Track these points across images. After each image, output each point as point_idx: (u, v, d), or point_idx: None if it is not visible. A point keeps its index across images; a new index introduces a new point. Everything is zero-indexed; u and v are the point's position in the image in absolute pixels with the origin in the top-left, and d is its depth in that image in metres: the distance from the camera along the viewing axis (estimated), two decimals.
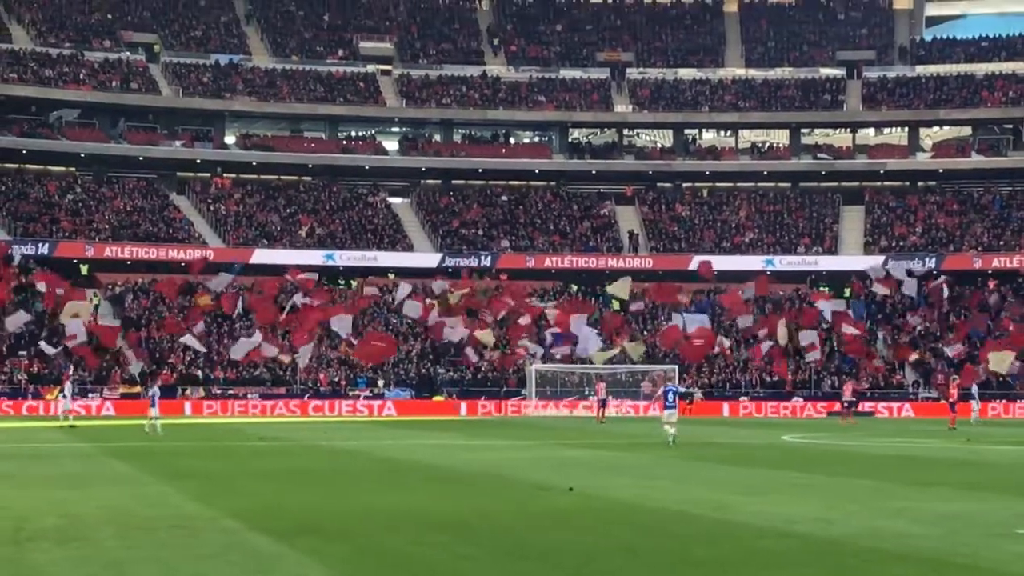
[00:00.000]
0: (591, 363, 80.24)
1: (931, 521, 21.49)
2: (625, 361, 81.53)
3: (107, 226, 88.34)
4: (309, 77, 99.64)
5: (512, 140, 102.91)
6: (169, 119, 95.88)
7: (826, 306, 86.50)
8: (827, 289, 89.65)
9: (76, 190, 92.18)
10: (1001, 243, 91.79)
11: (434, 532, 19.96)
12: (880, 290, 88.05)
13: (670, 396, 43.36)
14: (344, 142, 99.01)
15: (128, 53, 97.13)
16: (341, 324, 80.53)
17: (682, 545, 18.68)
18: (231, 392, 76.76)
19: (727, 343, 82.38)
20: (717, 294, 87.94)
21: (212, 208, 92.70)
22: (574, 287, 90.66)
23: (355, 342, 79.70)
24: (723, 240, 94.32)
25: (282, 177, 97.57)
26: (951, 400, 61.91)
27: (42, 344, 76.28)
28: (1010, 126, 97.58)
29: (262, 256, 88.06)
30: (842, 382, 79.14)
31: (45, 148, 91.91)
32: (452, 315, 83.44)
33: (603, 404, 66.89)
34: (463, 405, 75.74)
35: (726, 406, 77.80)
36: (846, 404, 68.70)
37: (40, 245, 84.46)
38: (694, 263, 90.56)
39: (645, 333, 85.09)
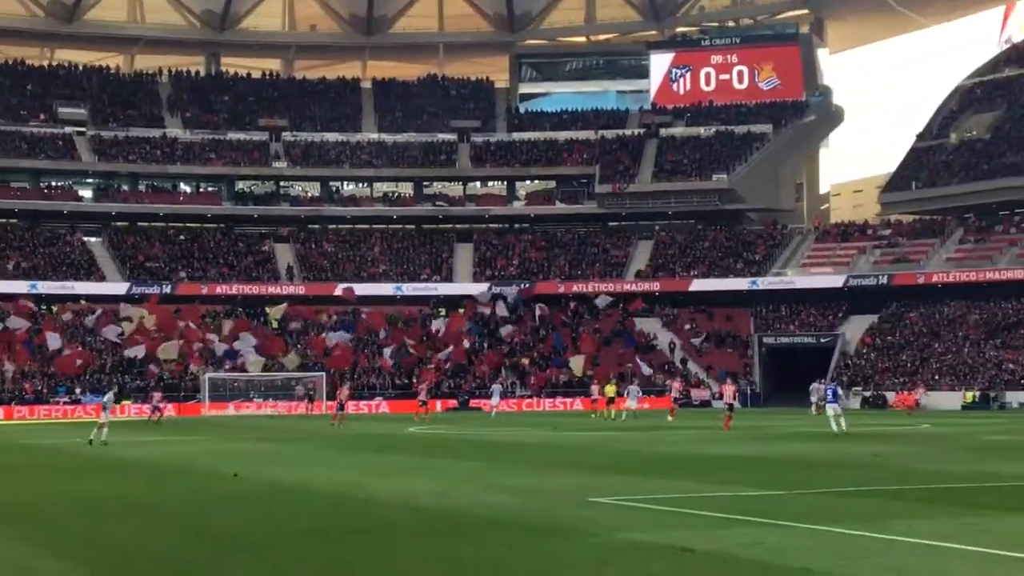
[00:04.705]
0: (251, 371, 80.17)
1: (522, 493, 22.14)
2: (281, 369, 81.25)
3: None
4: (15, 136, 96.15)
5: (188, 190, 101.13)
6: None
7: (439, 324, 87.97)
8: (443, 310, 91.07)
9: None
10: (579, 272, 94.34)
11: (118, 514, 19.74)
12: (484, 310, 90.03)
13: None
14: (45, 191, 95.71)
15: None
16: (53, 341, 79.21)
17: (325, 519, 18.87)
18: None
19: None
20: (356, 315, 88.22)
21: None
22: (240, 310, 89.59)
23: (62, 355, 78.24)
24: (361, 271, 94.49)
25: None
26: (422, 398, 61.73)
27: None
28: (585, 180, 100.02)
29: None
30: (458, 383, 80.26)
31: None
32: (140, 335, 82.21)
33: (156, 409, 60.56)
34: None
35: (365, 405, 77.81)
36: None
37: None
38: (338, 290, 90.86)
39: (299, 346, 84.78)
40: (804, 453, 32.31)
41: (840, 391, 44.70)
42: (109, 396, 43.49)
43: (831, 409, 41.53)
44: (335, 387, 70.48)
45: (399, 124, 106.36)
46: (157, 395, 64.31)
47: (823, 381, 57.38)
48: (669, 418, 54.82)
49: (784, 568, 13.67)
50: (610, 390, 60.05)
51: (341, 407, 56.09)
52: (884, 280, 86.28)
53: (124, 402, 74.52)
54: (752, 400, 79.42)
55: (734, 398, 49.97)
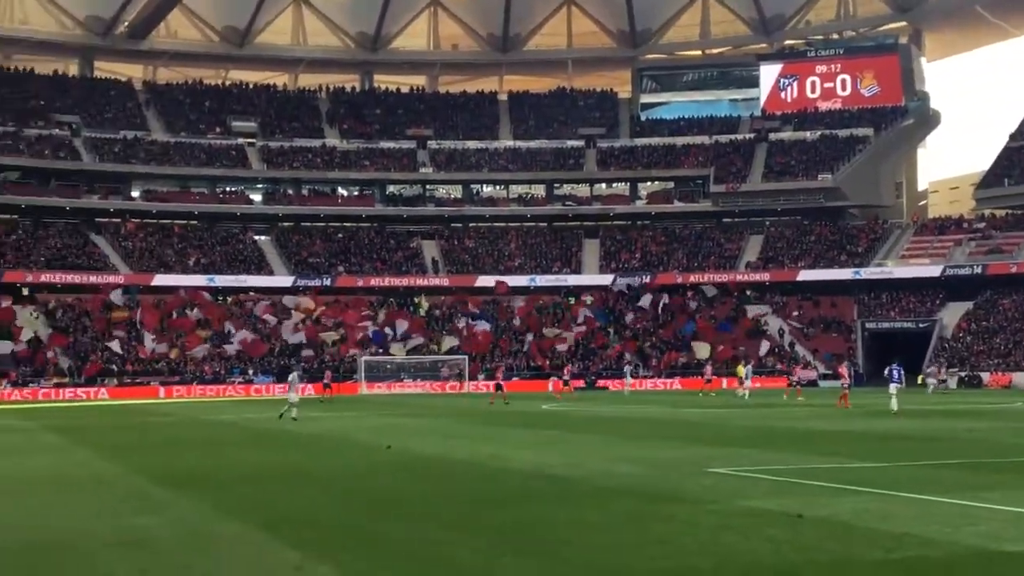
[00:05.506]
0: (403, 354, 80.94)
1: (645, 463, 22.01)
2: (428, 352, 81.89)
3: (42, 258, 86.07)
4: (194, 148, 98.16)
5: (345, 193, 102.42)
6: (89, 178, 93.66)
7: (580, 312, 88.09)
8: (573, 299, 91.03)
9: (19, 232, 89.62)
10: (695, 264, 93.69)
11: (287, 482, 20.01)
12: (612, 297, 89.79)
13: None
14: (221, 195, 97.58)
15: (57, 130, 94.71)
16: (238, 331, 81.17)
17: (471, 486, 18.96)
18: (139, 380, 75.23)
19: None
20: (496, 305, 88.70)
21: (123, 244, 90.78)
22: (393, 300, 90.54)
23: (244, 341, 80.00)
24: (499, 264, 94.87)
25: (175, 221, 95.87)
26: (565, 378, 64.86)
27: None
28: (700, 181, 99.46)
29: (161, 279, 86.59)
30: (586, 365, 79.99)
31: None
32: (305, 322, 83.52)
33: (327, 387, 62.21)
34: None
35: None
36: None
37: None
38: (479, 281, 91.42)
39: (444, 332, 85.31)
40: (903, 428, 31.68)
41: (903, 372, 43.34)
42: (294, 375, 43.32)
43: (893, 388, 40.69)
44: (489, 370, 71.04)
45: (532, 132, 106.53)
46: (328, 374, 65.23)
47: (934, 364, 56.15)
48: (790, 397, 54.29)
49: (889, 533, 13.42)
50: (740, 371, 59.95)
51: (499, 387, 56.60)
52: (979, 270, 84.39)
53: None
54: (856, 380, 78.01)
55: (849, 378, 49.21)
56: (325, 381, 62.56)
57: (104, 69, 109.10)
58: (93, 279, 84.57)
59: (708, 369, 68.58)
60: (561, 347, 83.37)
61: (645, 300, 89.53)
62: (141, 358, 77.54)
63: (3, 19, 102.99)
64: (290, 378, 42.33)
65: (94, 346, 78.56)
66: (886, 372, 42.30)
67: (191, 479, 20.23)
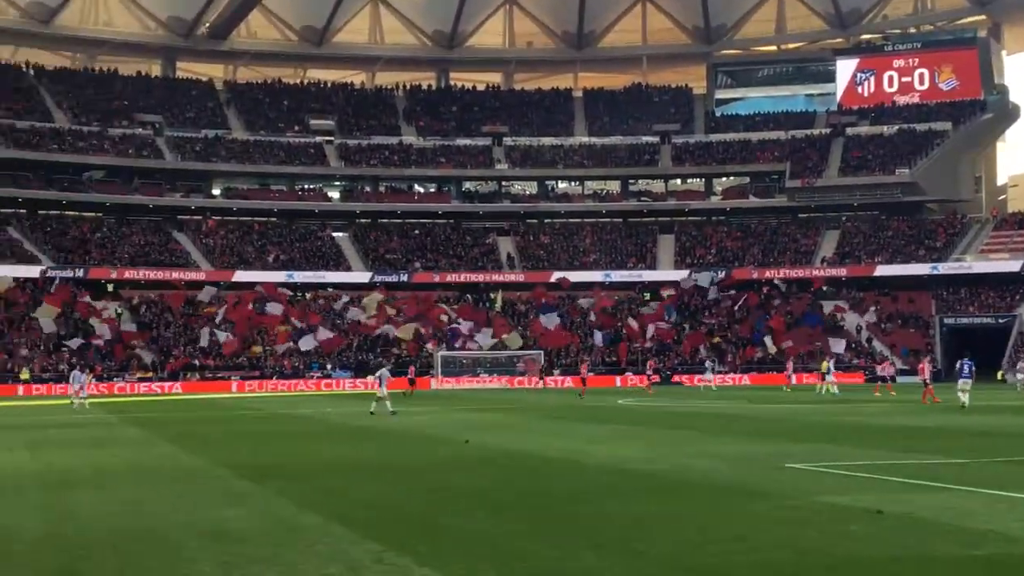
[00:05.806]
0: (480, 349, 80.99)
1: (723, 459, 21.81)
2: (504, 348, 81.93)
3: (126, 255, 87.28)
4: (273, 146, 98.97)
5: (421, 190, 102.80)
6: (171, 177, 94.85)
7: (648, 309, 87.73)
8: (648, 295, 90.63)
9: (103, 229, 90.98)
10: (771, 260, 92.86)
11: (366, 475, 20.07)
12: (686, 294, 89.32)
13: None
14: (300, 192, 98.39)
15: (140, 129, 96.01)
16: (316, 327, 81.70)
17: (547, 481, 18.89)
18: (220, 375, 76.07)
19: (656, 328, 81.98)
20: (571, 301, 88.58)
21: (204, 241, 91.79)
22: (468, 295, 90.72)
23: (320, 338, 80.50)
24: (574, 260, 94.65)
25: (255, 218, 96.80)
26: (648, 373, 65.30)
27: (71, 342, 75.85)
28: (776, 176, 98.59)
29: (241, 276, 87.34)
30: (661, 360, 79.69)
31: (80, 199, 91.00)
32: (382, 317, 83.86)
33: (412, 382, 61.97)
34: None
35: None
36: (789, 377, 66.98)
37: (77, 270, 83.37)
38: (554, 277, 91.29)
39: (519, 328, 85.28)
40: (980, 424, 31.16)
41: (974, 368, 42.37)
42: (383, 371, 42.87)
43: (963, 383, 40.00)
44: (564, 365, 70.76)
45: (607, 128, 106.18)
46: (412, 369, 65.42)
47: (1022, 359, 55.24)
48: (882, 393, 53.70)
49: (971, 530, 13.17)
50: (824, 366, 59.73)
51: (583, 381, 56.44)
52: None
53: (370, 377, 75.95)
54: (935, 376, 76.97)
55: (929, 374, 48.59)
56: (410, 376, 62.77)
57: (186, 69, 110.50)
58: (175, 275, 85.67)
59: (789, 365, 68.27)
60: (644, 343, 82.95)
61: (714, 292, 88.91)
62: (223, 354, 78.38)
63: (88, 21, 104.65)
64: (379, 373, 41.66)
65: (176, 341, 79.56)
66: (956, 367, 41.71)
67: (271, 472, 20.37)
